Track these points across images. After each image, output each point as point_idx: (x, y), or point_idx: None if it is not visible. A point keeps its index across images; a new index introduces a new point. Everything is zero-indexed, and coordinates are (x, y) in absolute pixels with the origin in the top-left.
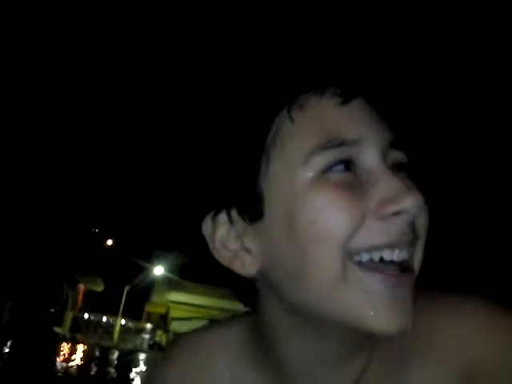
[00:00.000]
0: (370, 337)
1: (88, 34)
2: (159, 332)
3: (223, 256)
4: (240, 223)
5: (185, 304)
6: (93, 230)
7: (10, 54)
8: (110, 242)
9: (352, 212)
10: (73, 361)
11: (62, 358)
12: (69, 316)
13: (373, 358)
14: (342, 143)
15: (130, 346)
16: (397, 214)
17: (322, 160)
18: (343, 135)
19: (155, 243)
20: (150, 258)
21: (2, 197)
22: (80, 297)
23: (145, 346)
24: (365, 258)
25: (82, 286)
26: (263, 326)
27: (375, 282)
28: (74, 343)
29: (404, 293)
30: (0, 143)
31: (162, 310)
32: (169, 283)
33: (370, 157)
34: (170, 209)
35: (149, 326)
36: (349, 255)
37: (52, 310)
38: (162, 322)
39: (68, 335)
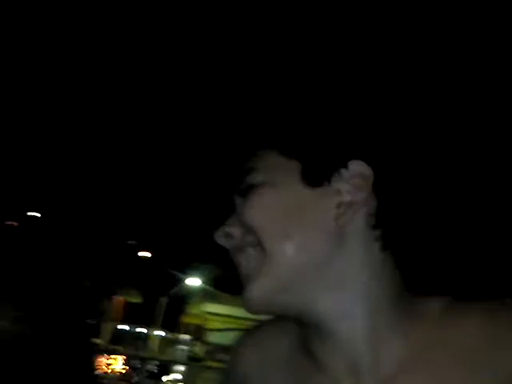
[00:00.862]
0: None
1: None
2: (196, 343)
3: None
4: None
5: (221, 315)
6: (129, 242)
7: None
8: (146, 254)
9: None
10: (112, 372)
11: (101, 369)
12: (107, 328)
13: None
14: None
15: (167, 358)
16: None
17: None
18: None
19: (191, 255)
20: (186, 269)
21: (41, 211)
22: (118, 308)
23: (182, 357)
24: None
25: (119, 298)
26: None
27: None
28: (113, 355)
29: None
30: (36, 158)
31: (198, 321)
32: (205, 294)
33: None
34: (207, 220)
35: (186, 337)
36: None
37: (91, 322)
38: (199, 333)
39: (107, 347)
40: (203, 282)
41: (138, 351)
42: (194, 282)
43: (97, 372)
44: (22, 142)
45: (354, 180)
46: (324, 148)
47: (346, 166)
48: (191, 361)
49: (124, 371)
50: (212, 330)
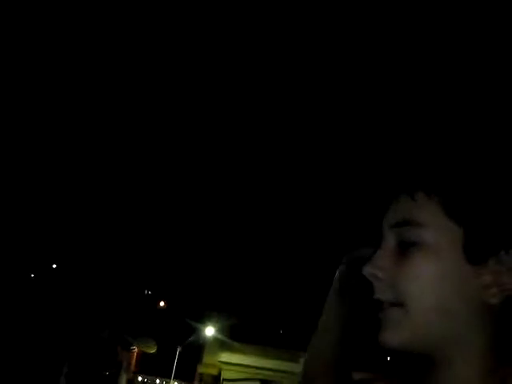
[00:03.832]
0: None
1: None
2: None
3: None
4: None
5: (236, 365)
6: (145, 291)
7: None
8: (162, 304)
9: None
10: None
11: None
12: (123, 379)
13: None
14: None
15: None
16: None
17: None
18: None
19: (206, 304)
20: (202, 318)
21: (58, 262)
22: (133, 359)
23: None
24: None
25: (135, 349)
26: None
27: None
28: None
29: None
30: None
31: (213, 371)
32: (220, 344)
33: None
34: (222, 271)
35: None
36: None
37: (107, 373)
38: (215, 382)
39: None
40: (217, 331)
41: None
42: (208, 331)
43: None
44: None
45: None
46: (497, 227)
47: (508, 251)
48: None
49: None
50: (227, 379)
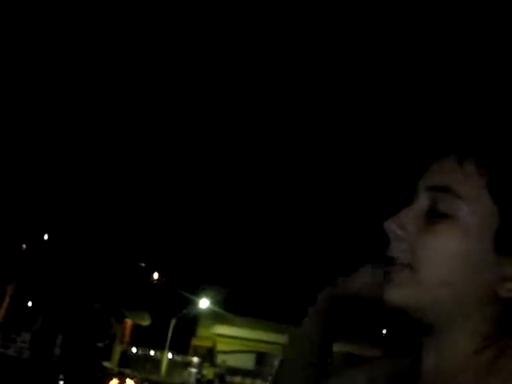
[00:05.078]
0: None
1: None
2: (206, 365)
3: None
4: None
5: (231, 337)
6: (140, 264)
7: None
8: (156, 276)
9: None
10: None
11: None
12: (117, 351)
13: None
14: None
15: (177, 380)
16: None
17: None
18: None
19: (200, 277)
20: (196, 291)
21: (53, 236)
22: (127, 331)
23: (192, 379)
24: None
25: (129, 321)
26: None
27: None
28: (122, 378)
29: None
30: (46, 183)
31: (208, 344)
32: (214, 317)
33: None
34: (217, 244)
35: (196, 359)
36: None
37: (100, 345)
38: (209, 355)
39: (117, 370)
40: (212, 304)
41: (149, 374)
42: (203, 303)
43: None
44: (35, 166)
45: None
46: None
47: None
48: (201, 383)
49: None
50: (222, 352)
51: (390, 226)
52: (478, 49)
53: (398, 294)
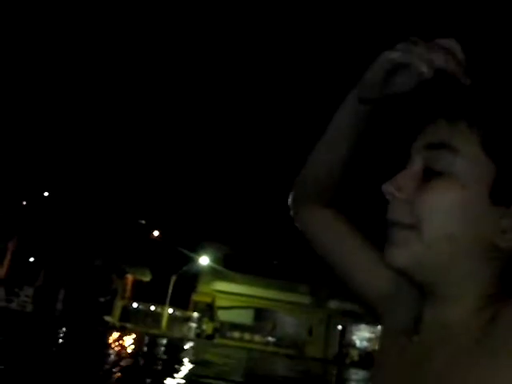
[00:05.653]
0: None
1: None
2: (205, 320)
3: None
4: None
5: (230, 293)
6: (140, 221)
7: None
8: (156, 233)
9: None
10: (123, 349)
11: (112, 345)
12: (118, 306)
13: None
14: None
15: (177, 335)
16: None
17: None
18: None
19: (201, 234)
20: (196, 248)
21: (53, 192)
22: (128, 287)
23: (192, 334)
24: None
25: (130, 277)
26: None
27: None
28: (123, 332)
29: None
30: (47, 140)
31: (208, 300)
32: (214, 273)
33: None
34: (218, 200)
35: (195, 314)
36: None
37: (102, 300)
38: (208, 311)
39: (118, 324)
40: (212, 261)
41: (149, 329)
42: (203, 260)
43: (108, 348)
44: (34, 128)
45: None
46: None
47: None
48: (201, 337)
49: (134, 348)
50: (221, 307)
51: (388, 188)
52: (469, 12)
53: (401, 255)
